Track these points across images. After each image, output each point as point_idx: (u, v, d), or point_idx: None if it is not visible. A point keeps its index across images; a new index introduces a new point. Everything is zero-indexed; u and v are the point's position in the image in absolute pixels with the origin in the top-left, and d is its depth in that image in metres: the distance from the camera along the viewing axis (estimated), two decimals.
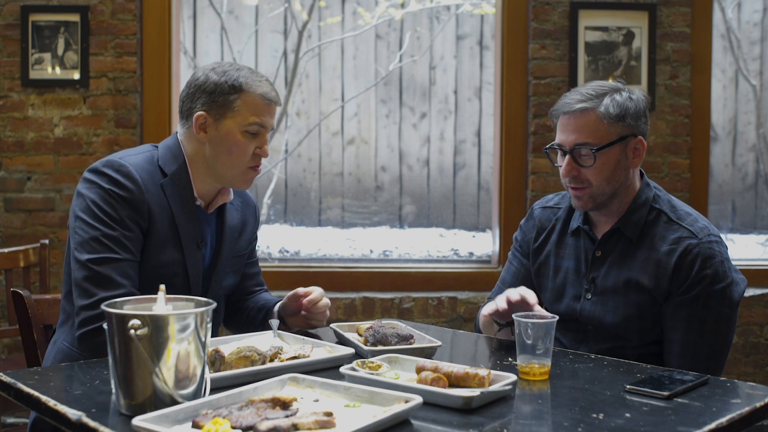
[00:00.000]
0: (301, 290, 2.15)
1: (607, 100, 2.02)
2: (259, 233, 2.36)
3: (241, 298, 2.34)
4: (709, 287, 1.98)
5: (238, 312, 2.33)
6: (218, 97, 2.01)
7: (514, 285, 2.25)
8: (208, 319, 1.47)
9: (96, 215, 1.94)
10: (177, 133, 2.11)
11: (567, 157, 2.05)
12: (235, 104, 2.01)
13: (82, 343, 1.92)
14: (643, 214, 2.08)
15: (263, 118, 2.03)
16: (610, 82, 2.11)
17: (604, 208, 2.09)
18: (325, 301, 2.15)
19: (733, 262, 2.09)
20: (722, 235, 4.53)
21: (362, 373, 1.62)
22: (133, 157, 2.03)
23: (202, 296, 1.91)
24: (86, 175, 2.00)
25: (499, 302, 1.96)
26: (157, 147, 2.10)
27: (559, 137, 2.07)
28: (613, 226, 2.10)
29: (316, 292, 2.14)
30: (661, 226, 2.06)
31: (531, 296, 1.92)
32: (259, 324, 2.23)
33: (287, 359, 1.74)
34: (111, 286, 1.90)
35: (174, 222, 2.01)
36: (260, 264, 2.40)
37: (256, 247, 2.37)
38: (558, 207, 2.25)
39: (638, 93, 2.08)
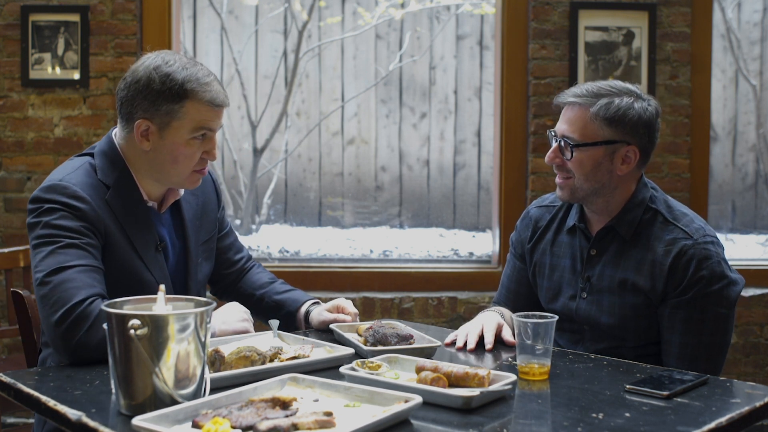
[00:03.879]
0: (341, 315, 2.11)
1: (603, 101, 1.99)
2: (224, 201, 2.29)
3: (228, 275, 2.27)
4: (705, 288, 1.97)
5: (231, 291, 2.28)
6: (161, 105, 1.88)
7: (511, 287, 2.30)
8: (208, 319, 1.47)
9: (50, 234, 1.83)
10: (113, 134, 2.00)
11: (555, 144, 2.07)
12: (179, 112, 1.88)
13: (67, 344, 1.75)
14: (638, 213, 2.06)
15: (211, 123, 1.92)
16: (627, 85, 2.05)
17: (590, 204, 2.09)
18: (354, 312, 2.15)
19: (733, 262, 2.09)
20: (722, 235, 4.51)
21: (362, 373, 1.62)
22: (73, 175, 1.91)
23: (181, 295, 1.83)
24: (31, 206, 1.89)
25: (459, 341, 2.01)
26: (92, 155, 1.99)
27: (557, 124, 2.09)
28: (606, 224, 2.09)
29: (348, 309, 2.13)
30: (657, 227, 2.04)
31: (489, 334, 1.99)
32: (272, 317, 2.12)
33: (287, 359, 1.74)
34: (83, 288, 1.77)
35: (125, 232, 1.94)
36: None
37: (225, 218, 2.27)
38: (554, 205, 2.24)
39: (647, 104, 2.03)
